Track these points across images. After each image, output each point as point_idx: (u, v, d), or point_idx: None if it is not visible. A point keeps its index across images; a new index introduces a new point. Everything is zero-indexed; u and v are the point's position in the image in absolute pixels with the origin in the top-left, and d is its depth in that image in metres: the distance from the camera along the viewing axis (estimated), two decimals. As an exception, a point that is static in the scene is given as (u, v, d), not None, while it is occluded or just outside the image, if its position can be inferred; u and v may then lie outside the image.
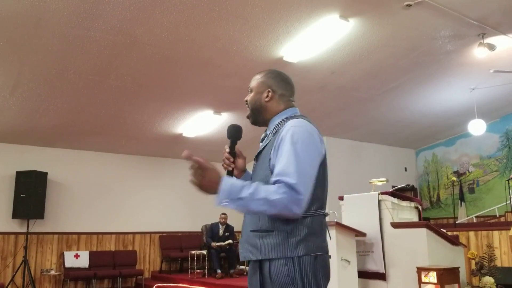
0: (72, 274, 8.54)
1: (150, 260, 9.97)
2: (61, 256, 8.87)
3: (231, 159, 2.01)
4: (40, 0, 4.64)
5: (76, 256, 8.87)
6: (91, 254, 9.08)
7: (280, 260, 1.72)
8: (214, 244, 8.91)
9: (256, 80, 2.02)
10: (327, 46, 5.91)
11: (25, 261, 8.26)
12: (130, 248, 9.75)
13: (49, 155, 9.07)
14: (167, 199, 10.39)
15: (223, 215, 9.33)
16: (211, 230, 9.31)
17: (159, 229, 10.14)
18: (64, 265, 8.71)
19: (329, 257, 1.82)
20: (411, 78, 7.27)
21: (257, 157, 1.96)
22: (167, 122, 8.41)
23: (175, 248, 10.04)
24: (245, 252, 1.85)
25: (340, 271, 4.46)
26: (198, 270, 8.81)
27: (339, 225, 4.62)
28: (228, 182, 1.68)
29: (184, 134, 8.99)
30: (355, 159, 10.15)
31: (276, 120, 1.94)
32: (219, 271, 8.61)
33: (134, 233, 9.85)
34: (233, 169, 1.99)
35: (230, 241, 9.04)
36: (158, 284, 8.74)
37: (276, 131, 1.84)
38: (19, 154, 8.75)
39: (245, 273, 8.97)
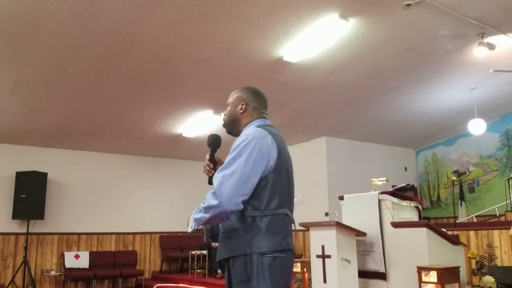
0: (72, 275, 8.54)
1: (150, 260, 9.97)
2: (62, 257, 8.87)
3: (211, 166, 2.29)
4: (40, 1, 4.64)
5: (77, 256, 8.87)
6: (92, 254, 9.08)
7: (240, 258, 1.89)
8: (214, 244, 8.90)
9: (232, 96, 2.29)
10: (327, 46, 5.91)
11: (25, 262, 8.26)
12: (130, 248, 9.75)
13: (49, 156, 9.07)
14: (167, 199, 10.39)
15: (223, 215, 9.32)
16: (211, 230, 9.29)
17: (159, 229, 10.14)
18: (64, 266, 8.72)
19: (290, 255, 1.96)
20: (411, 77, 7.27)
21: None
22: (167, 122, 8.41)
23: (176, 248, 10.04)
24: (218, 252, 2.05)
25: (340, 271, 4.46)
26: (199, 270, 8.81)
27: (339, 225, 4.62)
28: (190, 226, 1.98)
29: (184, 134, 8.99)
30: (355, 159, 10.15)
31: (245, 130, 2.16)
32: (219, 271, 8.60)
33: (134, 234, 9.85)
34: (213, 174, 2.14)
35: (230, 241, 9.04)
36: (158, 284, 8.74)
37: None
38: (19, 155, 8.75)
39: (245, 273, 8.98)
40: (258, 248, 1.87)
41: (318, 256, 4.68)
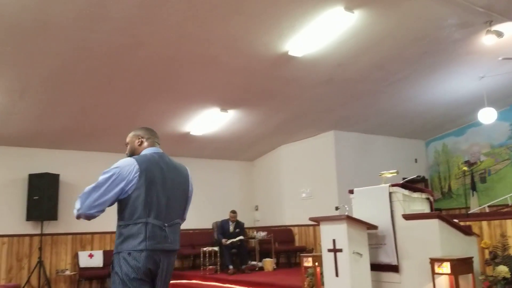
0: (87, 274, 8.63)
1: (163, 258, 10.03)
2: (76, 256, 8.96)
3: None
4: (46, 4, 4.67)
5: (90, 255, 8.96)
6: (105, 253, 9.15)
7: (115, 254, 2.54)
8: (225, 240, 8.94)
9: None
10: (332, 39, 5.88)
11: (40, 262, 8.36)
12: (142, 246, 9.80)
13: (60, 157, 9.15)
14: (177, 197, 10.42)
15: (232, 214, 9.36)
16: (221, 227, 9.34)
17: (170, 227, 10.19)
18: (78, 265, 8.81)
19: (143, 252, 2.47)
20: (418, 68, 7.22)
21: None
22: (175, 121, 8.44)
23: (187, 245, 10.07)
24: None
25: (352, 264, 4.46)
26: (210, 267, 8.86)
27: (350, 219, 4.61)
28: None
29: (192, 133, 9.02)
30: (364, 152, 10.11)
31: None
32: (231, 267, 8.65)
33: (146, 232, 9.91)
34: None
35: (241, 237, 9.06)
36: (171, 281, 8.80)
37: None
38: (31, 157, 8.83)
39: (256, 269, 9.01)
40: (121, 248, 2.52)
41: (329, 250, 4.68)
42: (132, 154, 2.83)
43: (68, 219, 8.90)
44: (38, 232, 8.56)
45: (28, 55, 5.67)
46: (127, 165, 2.57)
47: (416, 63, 7.05)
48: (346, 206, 5.15)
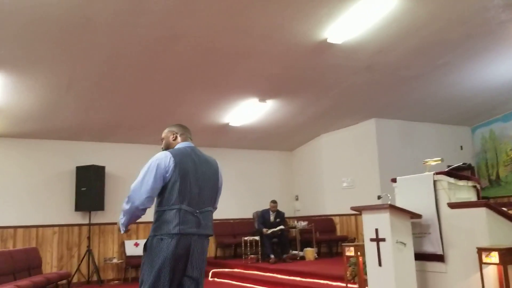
0: (133, 262, 8.92)
1: (205, 247, 10.21)
2: (122, 245, 9.28)
3: None
4: (88, 2, 4.80)
5: (136, 244, 9.25)
6: (149, 243, 9.42)
7: (150, 237, 2.82)
8: (266, 230, 9.00)
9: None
10: (372, 24, 5.74)
11: (89, 251, 8.72)
12: (185, 236, 10.02)
13: (106, 150, 9.46)
14: (218, 188, 10.56)
15: (272, 204, 9.39)
16: (262, 217, 9.40)
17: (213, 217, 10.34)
18: (125, 253, 9.12)
19: (176, 236, 2.72)
20: (463, 52, 6.95)
21: None
22: (214, 112, 8.53)
23: (228, 234, 10.23)
24: None
25: (395, 254, 4.39)
26: (252, 256, 8.95)
27: (392, 208, 4.53)
28: (121, 227, 2.95)
29: (231, 124, 9.09)
30: (407, 140, 9.88)
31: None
32: (272, 256, 8.70)
33: (188, 222, 10.11)
34: None
35: (281, 226, 9.10)
36: (214, 270, 8.97)
37: None
38: (78, 150, 9.18)
39: (298, 258, 9.03)
40: (155, 232, 2.80)
41: (372, 240, 4.62)
42: (167, 148, 3.10)
43: (114, 209, 9.21)
44: (86, 222, 8.91)
45: (73, 52, 5.87)
46: (163, 157, 2.85)
47: (460, 47, 6.79)
48: (388, 195, 5.06)
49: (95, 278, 8.73)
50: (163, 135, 3.22)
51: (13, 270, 6.34)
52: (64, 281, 7.10)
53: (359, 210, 4.88)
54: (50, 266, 8.59)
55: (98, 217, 9.00)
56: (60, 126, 8.39)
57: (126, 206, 2.83)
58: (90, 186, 8.73)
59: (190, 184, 2.84)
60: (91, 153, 9.18)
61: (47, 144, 8.96)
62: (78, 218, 8.98)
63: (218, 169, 3.17)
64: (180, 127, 3.22)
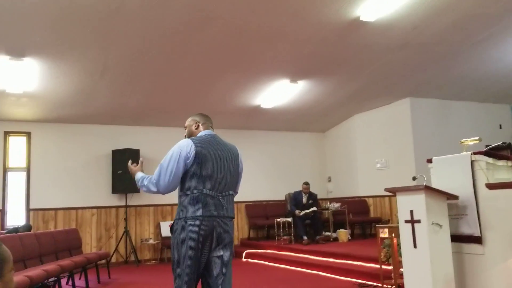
0: (168, 243, 9.11)
1: (238, 228, 10.35)
2: (158, 226, 9.51)
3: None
4: (119, -14, 4.84)
5: (171, 225, 9.44)
6: (184, 224, 9.61)
7: (175, 220, 2.97)
8: (298, 212, 9.02)
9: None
10: (406, 0, 5.56)
11: (126, 232, 8.98)
12: (219, 217, 10.16)
13: (140, 133, 9.65)
14: (249, 170, 10.56)
15: (305, 185, 9.38)
16: (294, 198, 9.41)
17: (244, 199, 10.44)
18: (160, 234, 9.35)
19: (199, 218, 2.84)
20: (502, 27, 6.64)
21: None
22: (245, 94, 8.52)
23: (261, 216, 10.31)
24: None
25: (431, 236, 4.31)
26: (285, 237, 9.00)
27: (428, 189, 4.43)
28: (137, 175, 3.19)
29: (262, 105, 9.07)
30: (443, 119, 9.61)
31: None
32: (305, 237, 8.73)
33: (222, 203, 10.24)
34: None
35: (314, 208, 9.09)
36: (247, 251, 9.08)
37: None
38: (113, 134, 9.40)
39: (331, 239, 9.02)
40: (180, 215, 2.93)
41: (406, 221, 4.55)
42: (190, 135, 3.25)
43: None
44: (123, 204, 9.16)
45: (106, 37, 5.96)
46: (185, 145, 2.97)
47: (500, 22, 6.49)
48: (424, 176, 4.96)
49: (132, 258, 9.01)
50: (186, 123, 3.36)
51: (55, 250, 6.60)
52: (103, 261, 7.34)
53: (393, 192, 4.80)
54: (90, 246, 8.91)
55: (134, 199, 9.23)
56: (96, 110, 8.59)
57: (152, 188, 3.00)
58: (125, 169, 8.89)
59: (211, 169, 2.95)
60: (126, 137, 9.38)
61: (84, 129, 9.21)
62: (115, 200, 9.23)
63: (238, 155, 3.29)
64: (202, 116, 3.39)
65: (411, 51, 7.15)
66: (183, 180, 2.93)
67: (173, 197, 10.26)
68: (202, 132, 3.24)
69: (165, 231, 9.36)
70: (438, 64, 7.84)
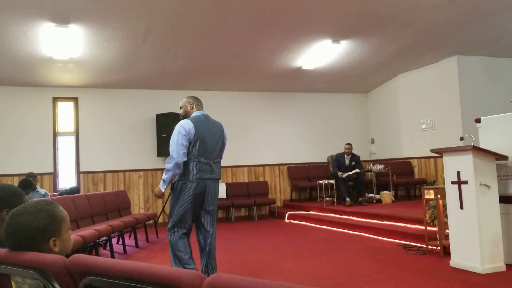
0: (212, 204, 9.36)
1: (280, 190, 10.47)
2: (201, 188, 9.74)
3: None
4: None
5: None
6: (228, 185, 9.82)
7: (177, 181, 3.87)
8: (341, 174, 8.99)
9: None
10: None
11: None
12: (261, 179, 10.31)
13: (182, 97, 9.72)
14: (291, 132, 10.63)
15: (347, 146, 9.29)
16: (337, 160, 9.37)
17: (286, 161, 10.50)
18: (204, 196, 9.58)
19: (195, 181, 3.79)
20: None
21: None
22: (286, 56, 8.40)
23: (303, 178, 10.36)
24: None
25: (479, 197, 4.21)
26: (327, 199, 9.03)
27: (476, 149, 4.30)
28: (162, 184, 3.88)
29: (304, 67, 8.94)
30: (492, 78, 9.16)
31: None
32: (348, 199, 8.73)
33: (264, 166, 10.36)
34: None
35: (357, 170, 9.02)
36: (290, 212, 9.21)
37: None
38: (157, 98, 9.57)
39: (374, 201, 8.98)
40: (182, 178, 3.82)
41: (453, 183, 4.46)
42: (185, 114, 4.03)
43: (193, 155, 9.63)
44: (168, 166, 9.41)
45: (147, 3, 5.98)
46: (186, 124, 3.80)
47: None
48: (472, 136, 4.80)
49: (178, 218, 9.32)
50: (181, 104, 4.10)
51: (106, 210, 6.92)
52: (151, 221, 7.64)
53: (440, 153, 4.69)
54: (138, 207, 9.29)
55: (178, 162, 9.47)
56: (139, 75, 8.75)
57: (170, 164, 3.72)
58: (169, 133, 9.09)
59: (206, 142, 3.83)
60: (169, 101, 9.53)
61: (129, 93, 9.43)
62: (160, 163, 9.51)
63: (223, 130, 4.08)
64: (195, 98, 4.16)
65: (458, 7, 6.77)
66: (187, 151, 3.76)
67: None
68: (196, 113, 4.01)
69: (209, 192, 9.59)
70: (487, 19, 7.40)
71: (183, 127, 3.77)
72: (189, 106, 4.07)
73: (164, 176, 3.77)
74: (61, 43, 6.95)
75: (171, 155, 3.71)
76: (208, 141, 3.86)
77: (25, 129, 8.82)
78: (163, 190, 3.86)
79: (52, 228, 1.52)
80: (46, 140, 8.96)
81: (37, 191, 6.66)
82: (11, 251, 1.47)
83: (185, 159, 3.75)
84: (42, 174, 8.67)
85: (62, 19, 6.24)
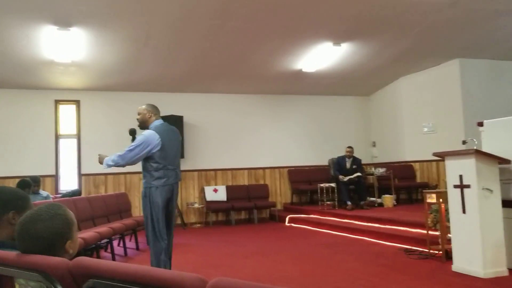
0: (213, 206, 9.38)
1: (281, 193, 10.45)
2: (202, 191, 9.75)
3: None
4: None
5: (215, 190, 9.67)
6: (228, 188, 9.81)
7: (147, 188, 4.12)
8: (342, 177, 8.97)
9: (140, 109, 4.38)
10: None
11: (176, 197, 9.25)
12: (261, 182, 10.30)
13: (183, 100, 9.78)
14: (292, 135, 10.62)
15: (348, 149, 9.28)
16: (338, 163, 9.35)
17: (287, 164, 10.49)
18: (205, 199, 9.59)
19: (166, 186, 4.09)
20: None
21: None
22: (287, 58, 8.41)
23: (304, 181, 10.34)
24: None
25: (481, 201, 4.20)
26: (328, 202, 9.01)
27: (479, 153, 4.29)
28: (106, 158, 4.16)
29: (304, 69, 8.94)
30: (495, 81, 9.15)
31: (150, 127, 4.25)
32: (349, 203, 8.71)
33: (264, 168, 10.35)
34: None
35: (358, 173, 9.01)
36: (291, 215, 9.19)
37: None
38: (157, 101, 9.30)
39: (376, 205, 8.96)
40: (151, 184, 4.09)
41: (455, 186, 4.45)
42: (142, 122, 4.28)
43: (194, 157, 9.64)
44: (169, 169, 9.40)
45: (148, 4, 5.98)
46: (152, 135, 4.05)
47: None
48: (474, 140, 4.79)
49: (179, 221, 9.32)
50: (140, 111, 4.31)
51: (107, 213, 6.92)
52: (152, 223, 7.64)
53: (442, 156, 4.68)
54: (138, 209, 9.26)
55: (179, 165, 9.46)
56: (141, 78, 8.75)
57: (119, 161, 4.04)
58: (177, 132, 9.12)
59: (170, 151, 4.12)
60: (170, 104, 9.52)
61: (130, 96, 9.41)
62: (161, 165, 9.48)
63: (179, 135, 4.42)
64: (153, 107, 4.34)
65: (461, 9, 6.77)
66: (153, 159, 4.04)
67: (216, 163, 10.45)
68: (157, 122, 4.24)
69: (209, 195, 9.60)
70: (490, 22, 7.40)
71: (149, 140, 4.02)
72: (147, 114, 4.28)
73: (111, 161, 4.08)
74: (63, 46, 6.96)
75: (120, 156, 4.04)
76: (171, 149, 4.16)
77: (27, 131, 8.83)
78: (104, 166, 4.16)
79: (67, 231, 1.57)
80: (48, 142, 8.96)
81: (39, 193, 6.65)
82: (20, 254, 1.48)
83: (130, 165, 4.14)
84: (44, 176, 8.65)
85: (64, 22, 6.25)
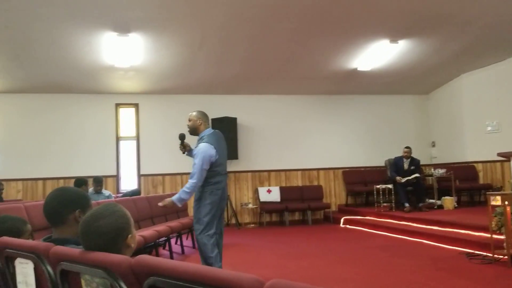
0: (266, 207, 9.41)
1: (335, 194, 10.31)
2: (256, 192, 9.81)
3: (183, 150, 4.63)
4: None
5: (269, 191, 9.70)
6: (282, 189, 9.81)
7: (206, 191, 4.26)
8: (399, 178, 8.71)
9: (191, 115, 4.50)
10: None
11: (227, 197, 9.39)
12: (315, 183, 10.21)
13: (236, 102, 9.90)
14: (346, 135, 10.46)
15: (406, 149, 8.99)
16: (395, 164, 9.09)
17: (341, 165, 10.34)
18: (259, 199, 9.64)
19: (221, 190, 4.29)
20: None
21: (193, 150, 4.47)
22: (341, 58, 8.29)
23: (359, 182, 10.14)
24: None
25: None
26: (385, 204, 8.78)
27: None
28: (176, 197, 4.21)
29: (359, 68, 8.77)
30: None
31: (201, 135, 4.40)
32: (407, 204, 8.44)
33: (318, 169, 10.25)
34: (184, 152, 4.63)
35: (416, 174, 8.71)
36: (346, 217, 9.04)
37: (201, 138, 4.38)
38: (211, 103, 9.74)
39: (435, 207, 8.63)
40: (212, 188, 4.27)
41: (522, 188, 4.20)
42: (193, 129, 4.43)
43: (247, 158, 9.73)
44: (224, 170, 9.55)
45: (201, 9, 6.11)
46: (209, 149, 4.20)
47: None
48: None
49: (233, 221, 9.44)
50: (191, 118, 4.43)
51: (165, 212, 7.11)
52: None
53: (507, 156, 4.44)
54: (195, 209, 9.47)
55: (233, 166, 9.58)
56: (196, 81, 8.95)
57: (192, 187, 4.16)
58: (224, 137, 9.25)
59: (221, 158, 4.29)
60: (223, 106, 9.68)
61: (185, 99, 9.66)
62: (216, 166, 9.64)
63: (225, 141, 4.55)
64: (204, 114, 4.48)
65: None
66: (212, 167, 4.21)
67: (269, 164, 10.49)
68: (208, 131, 4.40)
69: (263, 196, 9.64)
70: None
71: (208, 152, 4.18)
72: (198, 121, 4.40)
73: (185, 196, 4.17)
74: (122, 52, 7.25)
75: (194, 179, 4.15)
76: (223, 157, 4.36)
77: (90, 133, 9.27)
78: (179, 205, 4.23)
79: (127, 226, 1.66)
80: (109, 144, 9.37)
81: (102, 193, 6.97)
82: (84, 251, 1.55)
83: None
84: (105, 177, 9.05)
85: (123, 28, 6.51)
